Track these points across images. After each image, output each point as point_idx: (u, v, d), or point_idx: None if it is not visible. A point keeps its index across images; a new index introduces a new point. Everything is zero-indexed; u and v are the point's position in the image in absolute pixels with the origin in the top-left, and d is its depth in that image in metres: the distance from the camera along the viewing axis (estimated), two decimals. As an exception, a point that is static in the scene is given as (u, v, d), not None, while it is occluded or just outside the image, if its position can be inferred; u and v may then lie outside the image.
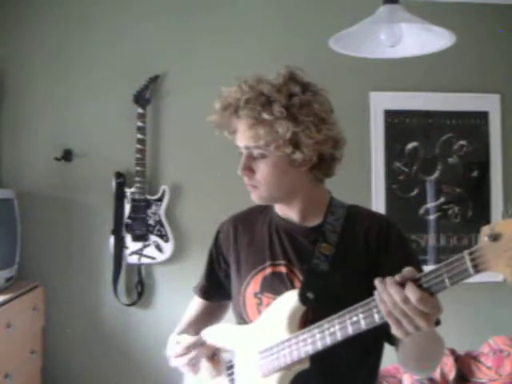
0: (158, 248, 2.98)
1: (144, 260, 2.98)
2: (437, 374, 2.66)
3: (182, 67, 3.05)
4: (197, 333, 1.40)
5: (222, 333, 1.38)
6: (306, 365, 1.19)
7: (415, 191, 3.23)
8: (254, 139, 1.21)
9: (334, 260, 1.25)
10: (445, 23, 1.94)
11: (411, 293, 0.96)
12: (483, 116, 3.28)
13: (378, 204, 3.19)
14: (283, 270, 1.29)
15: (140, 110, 2.95)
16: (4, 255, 2.64)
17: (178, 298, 3.15)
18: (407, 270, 1.00)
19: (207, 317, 1.51)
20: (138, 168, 2.93)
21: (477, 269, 0.92)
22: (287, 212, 1.33)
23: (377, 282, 1.00)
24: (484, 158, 3.28)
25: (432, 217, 3.24)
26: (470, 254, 0.92)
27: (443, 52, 2.05)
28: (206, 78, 3.02)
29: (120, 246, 2.96)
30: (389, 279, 0.99)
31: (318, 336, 1.14)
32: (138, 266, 3.00)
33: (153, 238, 2.97)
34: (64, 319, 2.95)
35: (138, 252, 2.97)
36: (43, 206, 2.97)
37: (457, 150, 3.26)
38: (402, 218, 3.20)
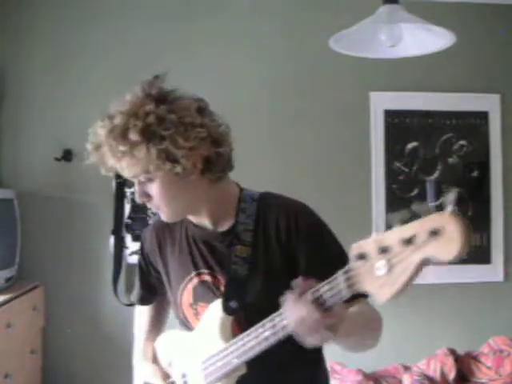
0: (158, 248, 2.97)
1: (144, 260, 2.97)
2: (437, 374, 2.66)
3: (181, 67, 3.05)
4: (155, 339, 1.49)
5: (172, 342, 1.43)
6: (243, 370, 1.21)
7: (415, 191, 3.23)
8: (128, 171, 1.20)
9: (252, 261, 1.25)
10: (445, 23, 1.94)
11: (308, 311, 0.97)
12: (483, 116, 3.28)
13: (378, 204, 3.19)
14: (208, 278, 1.30)
15: (140, 110, 2.94)
16: (4, 255, 2.64)
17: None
18: (304, 283, 1.01)
19: (158, 315, 1.58)
20: (138, 168, 2.93)
21: (351, 289, 0.93)
22: (199, 219, 1.32)
23: (287, 294, 1.03)
24: (484, 158, 3.28)
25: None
26: (345, 273, 0.93)
27: (443, 52, 2.05)
28: (206, 78, 3.02)
29: (120, 246, 2.96)
30: (291, 295, 1.01)
31: (241, 349, 1.16)
32: (138, 266, 3.00)
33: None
34: (64, 319, 2.95)
35: (138, 252, 2.97)
36: (43, 206, 2.97)
37: (457, 149, 3.26)
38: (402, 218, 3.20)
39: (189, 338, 1.35)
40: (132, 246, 2.97)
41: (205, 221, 1.30)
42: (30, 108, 2.99)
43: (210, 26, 3.07)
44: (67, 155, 2.96)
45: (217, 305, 1.25)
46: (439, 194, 3.25)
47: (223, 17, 3.10)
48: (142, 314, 1.61)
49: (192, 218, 1.33)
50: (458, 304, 3.20)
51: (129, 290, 3.04)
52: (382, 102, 3.21)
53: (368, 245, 0.88)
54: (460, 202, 3.26)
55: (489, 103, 3.28)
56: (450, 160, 3.25)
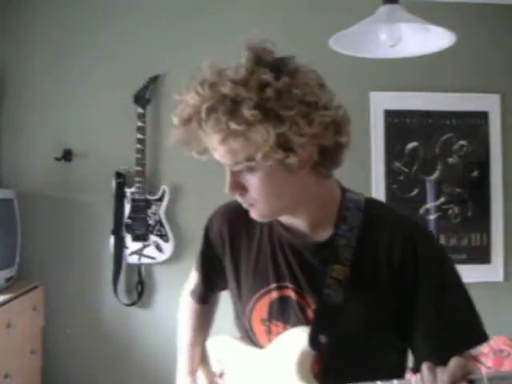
0: (158, 248, 2.97)
1: (144, 260, 2.98)
2: (437, 374, 2.66)
3: (181, 67, 3.04)
4: (205, 340, 1.34)
5: (227, 350, 1.26)
6: None
7: (415, 191, 3.23)
8: (231, 155, 0.96)
9: (350, 287, 1.03)
10: (445, 23, 1.94)
11: None
12: (483, 116, 3.28)
13: (378, 204, 3.18)
14: (292, 294, 1.08)
15: (140, 110, 2.95)
16: (4, 255, 2.64)
17: (178, 297, 3.15)
18: (458, 366, 0.82)
19: (207, 315, 1.40)
20: (138, 168, 2.93)
21: None
22: (292, 220, 1.09)
23: (425, 367, 0.84)
24: (484, 158, 3.28)
25: (432, 217, 3.24)
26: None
27: (443, 52, 2.05)
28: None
29: (120, 246, 2.96)
30: (440, 373, 0.82)
31: None
32: (138, 266, 3.00)
33: (153, 237, 2.97)
34: (64, 319, 2.95)
35: (138, 252, 2.97)
36: (43, 206, 2.98)
37: (457, 149, 3.26)
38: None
39: (252, 354, 1.16)
40: (132, 245, 2.97)
41: (299, 223, 1.08)
42: (29, 108, 2.99)
43: (210, 26, 3.07)
44: (67, 155, 2.96)
45: (302, 333, 1.04)
46: (439, 194, 3.25)
47: (223, 17, 3.10)
48: (188, 311, 1.39)
49: (283, 218, 1.09)
50: (458, 304, 3.20)
51: (129, 290, 3.04)
52: (382, 101, 3.21)
53: None
54: (460, 202, 3.27)
55: (489, 103, 3.27)
56: (450, 160, 3.25)
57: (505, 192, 3.28)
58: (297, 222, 1.08)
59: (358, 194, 1.12)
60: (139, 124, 2.94)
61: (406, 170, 3.23)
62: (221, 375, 1.27)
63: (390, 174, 3.21)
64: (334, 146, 1.02)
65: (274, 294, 1.11)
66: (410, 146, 3.24)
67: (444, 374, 0.81)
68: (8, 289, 2.57)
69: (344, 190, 1.11)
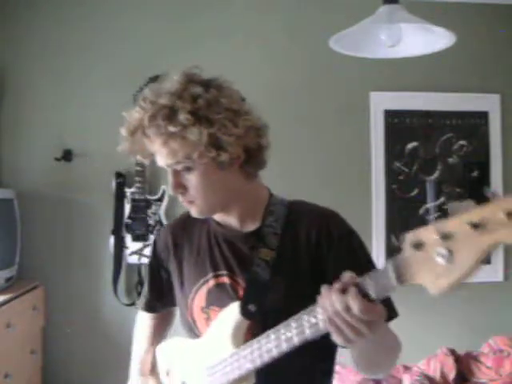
0: (158, 248, 2.97)
1: (144, 260, 2.97)
2: (437, 374, 2.66)
3: (181, 67, 3.05)
4: (155, 347, 1.43)
5: (173, 349, 1.36)
6: (252, 381, 1.14)
7: (415, 191, 3.23)
8: (172, 156, 1.13)
9: (275, 266, 1.18)
10: (445, 23, 1.94)
11: (353, 302, 0.90)
12: (483, 116, 3.28)
13: (378, 204, 3.19)
14: (226, 280, 1.22)
15: (140, 110, 2.94)
16: (4, 255, 2.64)
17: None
18: (346, 275, 0.94)
19: (160, 329, 1.51)
20: (137, 168, 2.93)
21: (400, 280, 0.86)
22: (225, 218, 1.25)
23: (322, 288, 0.96)
24: (484, 158, 3.28)
25: (432, 217, 3.24)
26: (394, 263, 0.87)
27: (443, 52, 2.05)
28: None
29: (120, 246, 2.96)
30: (333, 286, 0.94)
31: (256, 353, 1.09)
32: (138, 266, 3.00)
33: (153, 237, 2.97)
34: (64, 319, 2.95)
35: (138, 252, 2.97)
36: (43, 206, 2.97)
37: (457, 149, 3.26)
38: (402, 218, 3.21)
39: (193, 345, 1.28)
40: (132, 245, 2.97)
41: (231, 219, 1.24)
42: (29, 108, 2.99)
43: (210, 26, 3.07)
44: (67, 155, 2.96)
45: (234, 307, 1.17)
46: (439, 194, 3.25)
47: (223, 17, 3.10)
48: (141, 324, 1.54)
49: (217, 217, 1.27)
50: (459, 304, 3.20)
51: (129, 290, 3.04)
52: (382, 101, 3.21)
53: (426, 232, 0.81)
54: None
55: (489, 103, 3.28)
56: (450, 160, 3.25)
57: (505, 192, 3.27)
58: (228, 218, 1.25)
59: (283, 197, 1.30)
60: (139, 124, 2.93)
61: (406, 169, 3.23)
62: (167, 373, 1.35)
63: (390, 174, 3.21)
64: (257, 147, 1.19)
65: (211, 282, 1.24)
66: (410, 146, 3.24)
67: (335, 286, 0.94)
68: (8, 289, 2.58)
69: (271, 194, 1.29)
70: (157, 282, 1.41)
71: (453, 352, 2.74)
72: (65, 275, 2.97)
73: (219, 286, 1.23)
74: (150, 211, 2.98)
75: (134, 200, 2.96)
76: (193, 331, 1.29)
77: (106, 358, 2.97)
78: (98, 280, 3.01)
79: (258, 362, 1.09)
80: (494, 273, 3.25)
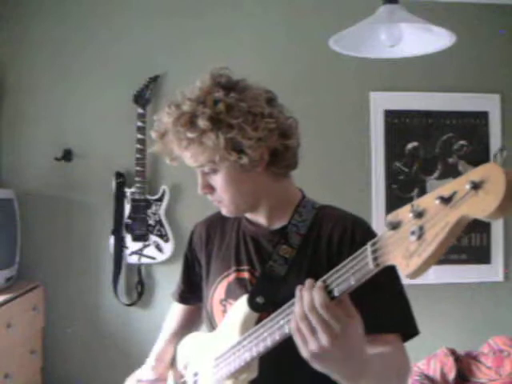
0: (158, 248, 2.98)
1: (144, 260, 2.98)
2: (437, 374, 2.66)
3: (181, 67, 3.05)
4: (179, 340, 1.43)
5: (192, 343, 1.38)
6: (254, 373, 1.13)
7: (415, 191, 3.23)
8: (194, 160, 1.17)
9: (294, 264, 1.19)
10: (445, 23, 1.94)
11: (316, 295, 0.87)
12: (483, 116, 3.28)
13: (378, 204, 3.19)
14: (246, 275, 1.25)
15: (140, 110, 2.95)
16: (4, 255, 2.64)
17: (178, 297, 3.16)
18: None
19: (189, 322, 1.51)
20: (137, 168, 2.93)
21: (376, 262, 0.82)
22: (255, 216, 1.28)
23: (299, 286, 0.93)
24: (484, 158, 3.28)
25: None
26: (373, 245, 0.83)
27: (443, 52, 2.05)
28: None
29: (120, 245, 2.96)
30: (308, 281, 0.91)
31: (253, 342, 1.08)
32: (138, 266, 3.00)
33: (153, 237, 2.97)
34: (64, 319, 2.95)
35: (138, 252, 2.97)
36: (43, 206, 2.97)
37: (457, 150, 3.26)
38: (402, 218, 3.21)
39: (208, 338, 1.29)
40: (132, 245, 2.97)
41: (260, 217, 1.27)
42: (29, 108, 2.99)
43: (210, 26, 3.07)
44: (67, 155, 2.96)
45: (243, 300, 1.18)
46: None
47: (223, 17, 3.10)
48: (172, 314, 1.55)
49: (248, 215, 1.29)
50: (458, 304, 3.20)
51: (129, 290, 3.04)
52: (382, 101, 3.21)
53: (403, 211, 0.78)
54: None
55: (489, 103, 3.28)
56: (450, 160, 3.25)
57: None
58: (257, 216, 1.27)
59: (315, 201, 1.30)
60: (139, 124, 2.94)
61: (406, 170, 3.23)
62: (185, 367, 1.36)
63: (390, 174, 3.21)
64: (283, 148, 1.20)
65: (232, 276, 1.27)
66: (410, 146, 3.24)
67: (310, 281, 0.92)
68: (8, 289, 2.58)
69: (304, 196, 1.31)
70: (190, 273, 1.44)
71: (453, 352, 2.74)
72: (65, 275, 2.97)
73: (239, 280, 1.25)
74: (149, 211, 2.98)
75: (133, 200, 2.96)
76: (211, 324, 1.31)
77: (106, 358, 2.97)
78: (98, 280, 3.01)
79: (255, 351, 1.07)
80: (493, 273, 3.25)
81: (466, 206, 0.69)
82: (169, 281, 3.03)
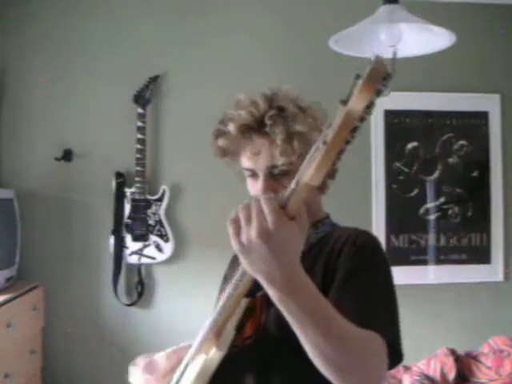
0: (158, 248, 2.98)
1: (144, 260, 2.98)
2: (437, 374, 2.66)
3: (181, 67, 3.05)
4: None
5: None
6: (223, 350, 1.10)
7: (415, 191, 3.23)
8: (288, 154, 1.15)
9: None
10: (445, 23, 1.94)
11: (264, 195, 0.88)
12: (483, 116, 3.28)
13: (378, 204, 3.19)
14: None
15: (140, 110, 2.95)
16: (4, 255, 2.64)
17: (178, 297, 3.16)
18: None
19: None
20: (137, 168, 2.93)
21: (297, 182, 0.82)
22: None
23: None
24: (484, 158, 3.28)
25: (432, 217, 3.24)
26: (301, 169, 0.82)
27: (443, 52, 2.05)
28: (206, 78, 3.02)
29: (120, 245, 2.96)
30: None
31: (217, 306, 1.11)
32: (138, 266, 3.00)
33: (153, 237, 2.97)
34: (64, 319, 2.95)
35: (138, 252, 2.97)
36: (43, 206, 2.98)
37: (457, 149, 3.26)
38: (402, 218, 3.21)
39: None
40: (132, 245, 2.97)
41: None
42: (29, 108, 2.99)
43: (210, 26, 3.07)
44: (67, 155, 2.96)
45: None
46: (439, 194, 3.25)
47: (223, 17, 3.10)
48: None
49: None
50: (458, 304, 3.20)
51: (129, 290, 3.04)
52: (382, 102, 3.18)
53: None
54: (460, 202, 3.27)
55: (489, 103, 3.28)
56: (450, 160, 3.25)
57: (505, 192, 3.28)
58: None
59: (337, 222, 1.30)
60: (139, 124, 2.94)
61: (406, 170, 3.23)
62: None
63: (390, 174, 3.21)
64: (337, 162, 1.17)
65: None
66: (410, 146, 3.24)
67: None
68: (8, 289, 2.58)
69: (327, 216, 1.30)
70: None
71: (453, 352, 2.74)
72: (65, 275, 2.97)
73: None
74: (149, 211, 2.98)
75: (133, 200, 2.96)
76: None
77: (106, 358, 2.97)
78: (98, 280, 3.01)
79: (216, 313, 1.09)
80: (494, 273, 3.25)
81: (351, 101, 0.74)
82: (169, 281, 3.04)
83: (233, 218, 0.85)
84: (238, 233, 0.84)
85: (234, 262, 1.38)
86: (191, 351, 1.21)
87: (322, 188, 1.25)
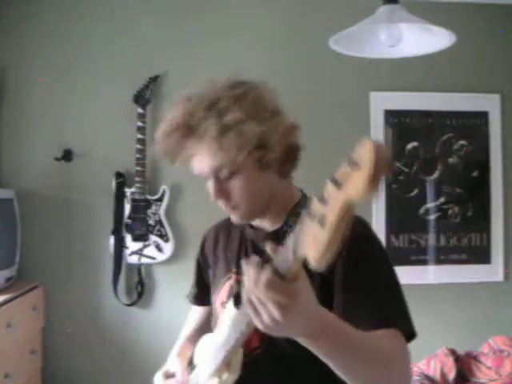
0: (158, 248, 2.98)
1: (144, 260, 2.98)
2: (437, 374, 2.66)
3: (182, 67, 3.05)
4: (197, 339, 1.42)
5: (202, 344, 1.37)
6: (236, 373, 1.12)
7: (415, 191, 3.23)
8: (223, 153, 1.08)
9: None
10: (445, 23, 1.94)
11: (262, 275, 0.82)
12: (483, 116, 3.28)
13: (378, 204, 3.19)
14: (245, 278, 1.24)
15: (140, 110, 2.95)
16: (4, 255, 2.64)
17: (178, 297, 3.15)
18: (269, 246, 0.85)
19: (206, 321, 1.50)
20: (137, 168, 2.93)
21: (295, 253, 0.77)
22: (259, 221, 1.24)
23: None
24: (484, 158, 3.28)
25: (432, 217, 3.24)
26: (295, 234, 0.78)
27: (443, 52, 2.05)
28: (206, 78, 3.02)
29: (120, 245, 2.96)
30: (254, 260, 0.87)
31: (227, 336, 1.07)
32: (138, 266, 3.00)
33: (153, 237, 2.97)
34: (64, 319, 2.95)
35: (138, 252, 2.97)
36: (43, 206, 2.97)
37: (457, 149, 3.26)
38: (402, 218, 3.21)
39: (210, 338, 1.30)
40: (132, 245, 2.97)
41: (263, 221, 1.23)
42: (29, 108, 2.99)
43: (210, 26, 3.07)
44: (67, 155, 2.96)
45: (231, 301, 1.16)
46: (439, 194, 3.25)
47: (223, 17, 3.10)
48: (190, 314, 1.57)
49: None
50: (458, 304, 3.20)
51: (129, 290, 3.04)
52: (382, 101, 3.21)
53: (314, 201, 0.74)
54: (460, 202, 3.27)
55: (489, 103, 3.28)
56: (450, 160, 3.25)
57: (505, 192, 3.28)
58: (261, 221, 1.23)
59: None
60: (139, 124, 2.94)
61: (406, 170, 3.23)
62: (193, 368, 1.36)
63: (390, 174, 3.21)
64: (296, 146, 1.17)
65: (233, 279, 1.27)
66: (410, 146, 3.24)
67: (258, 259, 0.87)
68: (8, 289, 2.57)
69: (305, 195, 1.26)
70: (202, 277, 1.45)
71: (453, 352, 2.74)
72: (65, 275, 2.97)
73: (239, 283, 1.24)
74: (149, 211, 2.98)
75: (133, 200, 2.96)
76: (216, 324, 1.32)
77: (106, 357, 2.98)
78: (98, 280, 3.01)
79: (228, 346, 1.06)
80: (493, 273, 3.25)
81: (349, 187, 0.67)
82: (169, 281, 3.04)
83: (247, 301, 0.85)
84: (257, 314, 0.84)
85: (208, 251, 1.40)
86: (200, 374, 1.22)
87: (283, 174, 1.19)
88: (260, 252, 1.17)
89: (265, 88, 1.16)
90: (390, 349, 1.00)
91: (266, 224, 1.24)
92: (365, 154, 0.65)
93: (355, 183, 0.66)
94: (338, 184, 0.69)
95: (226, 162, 1.09)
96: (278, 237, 1.16)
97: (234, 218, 1.21)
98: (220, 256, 1.35)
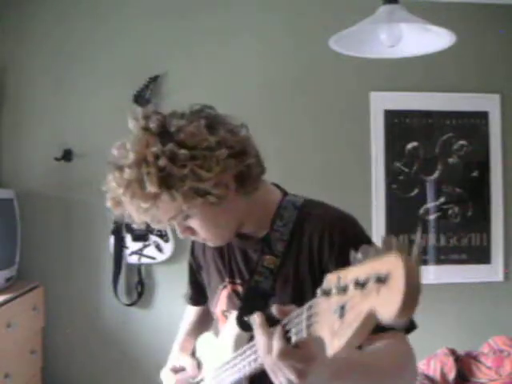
0: (158, 248, 2.98)
1: (144, 260, 2.98)
2: (437, 374, 2.66)
3: (182, 67, 3.05)
4: (197, 336, 1.43)
5: (204, 344, 1.38)
6: None
7: (415, 191, 3.23)
8: (161, 219, 1.10)
9: (279, 275, 1.14)
10: (445, 23, 1.94)
11: (274, 344, 0.83)
12: (483, 116, 3.28)
13: (378, 204, 3.19)
14: (239, 288, 1.23)
15: (140, 110, 2.94)
16: (4, 255, 2.64)
17: (178, 297, 3.15)
18: (275, 309, 0.85)
19: (205, 321, 1.52)
20: (138, 168, 2.93)
21: (309, 329, 0.75)
22: (243, 230, 1.22)
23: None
24: (484, 158, 3.28)
25: (432, 217, 3.24)
26: (308, 309, 0.76)
27: (443, 52, 2.05)
28: (206, 77, 3.02)
29: (120, 245, 2.96)
30: (260, 320, 0.87)
31: (240, 364, 1.05)
32: (138, 266, 3.00)
33: (153, 238, 2.97)
34: (64, 319, 2.95)
35: (138, 252, 2.97)
36: (43, 206, 2.97)
37: (457, 149, 3.26)
38: (402, 218, 3.21)
39: (215, 344, 1.30)
40: (132, 245, 2.97)
41: (247, 230, 1.21)
42: (30, 108, 2.99)
43: (210, 26, 3.07)
44: (67, 155, 2.96)
45: (233, 318, 1.15)
46: (439, 194, 3.25)
47: (223, 17, 3.09)
48: (188, 312, 1.58)
49: None
50: (458, 304, 3.20)
51: (129, 290, 3.04)
52: (382, 101, 3.21)
53: (333, 279, 0.70)
54: (460, 202, 3.27)
55: (489, 103, 3.28)
56: (450, 160, 3.25)
57: (505, 192, 3.28)
58: (245, 229, 1.21)
59: (299, 196, 1.23)
60: (139, 124, 2.93)
61: (406, 170, 3.23)
62: (199, 366, 1.37)
63: (390, 174, 3.21)
64: (246, 168, 1.11)
65: (228, 288, 1.26)
66: (410, 146, 3.24)
67: (262, 321, 0.88)
68: (8, 289, 2.57)
69: (286, 194, 1.23)
70: (196, 279, 1.45)
71: (453, 352, 2.74)
72: (65, 275, 2.97)
73: (235, 292, 1.25)
74: (149, 211, 2.97)
75: (133, 200, 2.96)
76: (218, 329, 1.33)
77: (106, 358, 2.98)
78: (98, 280, 3.01)
79: (242, 373, 1.06)
80: (493, 273, 3.25)
81: (374, 299, 0.61)
82: (169, 281, 3.04)
83: (263, 363, 0.88)
84: (276, 376, 0.87)
85: (198, 254, 1.41)
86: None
87: (246, 194, 1.16)
88: (250, 260, 1.23)
89: (184, 131, 1.06)
90: (401, 363, 1.06)
91: (251, 231, 1.21)
92: (396, 274, 0.59)
93: (384, 300, 0.60)
94: (360, 285, 0.64)
95: (169, 219, 1.11)
96: (267, 243, 1.17)
97: (211, 245, 1.22)
98: (210, 262, 1.34)
